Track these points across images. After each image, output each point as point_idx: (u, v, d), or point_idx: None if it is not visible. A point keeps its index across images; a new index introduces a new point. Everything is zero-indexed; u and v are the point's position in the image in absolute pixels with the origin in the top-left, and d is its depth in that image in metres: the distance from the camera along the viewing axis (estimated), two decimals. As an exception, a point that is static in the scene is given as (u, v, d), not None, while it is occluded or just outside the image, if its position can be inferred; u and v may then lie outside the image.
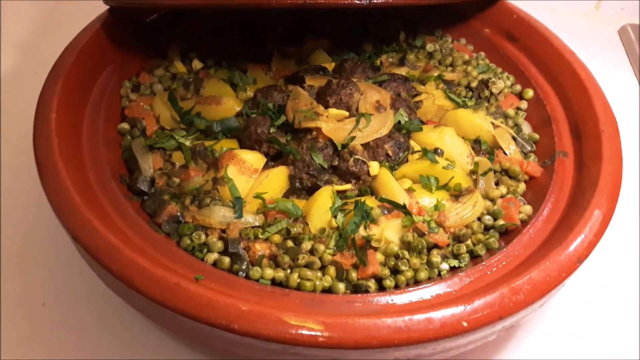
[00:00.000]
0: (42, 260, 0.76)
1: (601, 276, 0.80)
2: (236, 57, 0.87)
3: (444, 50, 0.91)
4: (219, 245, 0.62)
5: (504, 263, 0.61)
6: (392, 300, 0.58)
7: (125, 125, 0.75)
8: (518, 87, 0.85)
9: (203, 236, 0.63)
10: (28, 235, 0.79)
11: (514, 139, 0.77)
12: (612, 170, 0.66)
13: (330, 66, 0.87)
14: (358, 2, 0.66)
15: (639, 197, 0.92)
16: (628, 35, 1.27)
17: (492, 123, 0.78)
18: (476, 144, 0.77)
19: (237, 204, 0.65)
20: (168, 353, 0.68)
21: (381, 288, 0.62)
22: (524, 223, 0.67)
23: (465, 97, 0.83)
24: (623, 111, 1.07)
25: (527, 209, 0.69)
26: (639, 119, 1.09)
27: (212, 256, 0.61)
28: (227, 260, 0.61)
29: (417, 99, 0.82)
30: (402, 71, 0.87)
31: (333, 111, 0.73)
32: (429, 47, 0.90)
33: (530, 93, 0.83)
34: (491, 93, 0.82)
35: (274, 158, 0.74)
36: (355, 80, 0.80)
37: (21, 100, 0.99)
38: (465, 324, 0.51)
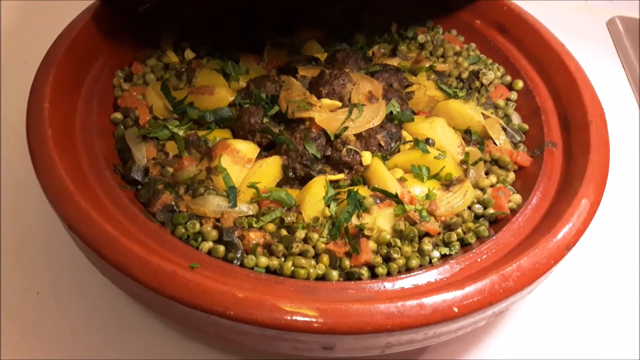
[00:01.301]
0: (36, 249, 0.76)
1: (599, 269, 0.82)
2: (229, 47, 0.87)
3: (435, 42, 0.91)
4: (214, 234, 0.62)
5: (493, 251, 0.63)
6: (384, 287, 0.59)
7: (118, 115, 0.75)
8: (508, 78, 0.86)
9: (197, 225, 0.63)
10: (22, 224, 0.79)
11: (504, 129, 0.78)
12: (600, 160, 0.67)
13: (323, 56, 0.87)
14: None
15: (625, 186, 0.94)
16: (616, 28, 1.28)
17: (483, 114, 0.79)
18: (467, 134, 0.78)
19: (231, 193, 0.65)
20: (163, 341, 0.68)
21: (374, 275, 0.63)
22: (514, 212, 0.69)
23: (456, 88, 0.84)
24: (611, 102, 1.09)
25: (517, 197, 0.70)
26: (626, 109, 1.11)
27: (207, 245, 0.62)
28: (221, 248, 0.61)
29: (409, 89, 0.83)
30: (394, 62, 0.87)
31: (326, 101, 0.74)
32: (421, 38, 0.91)
33: (520, 84, 0.85)
34: (482, 84, 0.83)
35: (267, 148, 0.74)
36: (347, 70, 0.81)
37: (11, 90, 0.99)
38: (456, 309, 0.53)
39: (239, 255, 0.61)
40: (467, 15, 0.94)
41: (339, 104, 0.74)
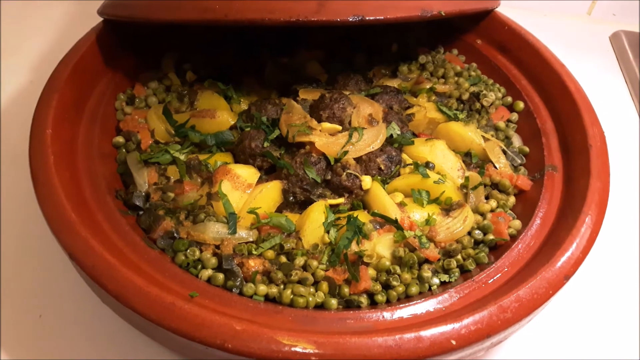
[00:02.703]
0: (39, 271, 0.77)
1: (601, 274, 0.82)
2: (230, 68, 0.87)
3: (436, 62, 0.92)
4: (213, 261, 0.63)
5: (493, 279, 0.63)
6: (383, 316, 0.59)
7: (120, 139, 0.76)
8: (509, 99, 0.86)
9: (197, 252, 0.64)
10: (25, 246, 0.79)
11: (504, 152, 0.78)
12: (600, 186, 0.67)
13: (324, 78, 0.88)
14: (351, 19, 0.67)
15: (629, 203, 0.93)
16: (620, 41, 1.28)
17: (483, 136, 0.79)
18: (467, 157, 0.78)
19: (231, 219, 0.66)
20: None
21: (373, 302, 0.63)
22: (513, 238, 0.69)
23: (456, 109, 0.84)
24: (612, 116, 1.09)
25: (517, 223, 0.70)
26: (628, 123, 1.11)
27: (207, 272, 0.62)
28: (221, 276, 0.62)
29: (409, 111, 0.83)
30: (395, 83, 0.88)
31: (326, 125, 0.74)
32: (421, 58, 0.91)
33: (521, 105, 0.85)
34: (482, 105, 0.83)
35: (268, 171, 0.75)
36: (348, 93, 0.81)
37: (16, 110, 1.00)
38: (454, 342, 0.53)
39: (238, 283, 0.62)
40: (468, 35, 0.94)
41: (339, 127, 0.75)
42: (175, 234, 0.65)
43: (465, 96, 0.85)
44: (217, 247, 0.65)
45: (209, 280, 0.62)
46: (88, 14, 0.84)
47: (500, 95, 0.86)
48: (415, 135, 0.81)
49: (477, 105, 0.84)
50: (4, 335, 0.71)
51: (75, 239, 0.57)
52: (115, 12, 0.77)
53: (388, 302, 0.63)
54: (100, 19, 0.81)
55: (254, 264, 0.63)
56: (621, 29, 1.31)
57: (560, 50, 1.24)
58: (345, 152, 0.72)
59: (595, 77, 1.22)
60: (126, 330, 0.71)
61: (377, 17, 0.68)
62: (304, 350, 0.51)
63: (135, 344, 0.69)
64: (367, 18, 0.68)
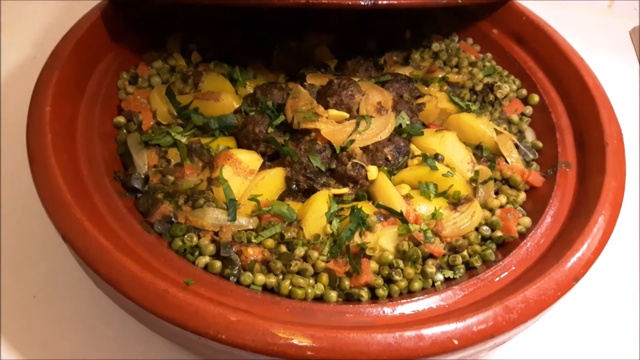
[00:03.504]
0: (35, 252, 0.76)
1: (602, 276, 0.79)
2: (237, 51, 0.85)
3: (449, 50, 0.89)
4: (211, 248, 0.61)
5: (499, 277, 0.60)
6: (383, 312, 0.57)
7: (121, 119, 0.74)
8: (524, 92, 0.83)
9: (195, 238, 0.62)
10: (21, 226, 0.78)
11: (517, 146, 0.76)
12: (615, 185, 0.65)
13: (333, 63, 0.85)
14: (363, 3, 0.65)
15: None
16: (638, 37, 1.24)
17: (495, 129, 0.76)
18: (477, 150, 0.76)
19: (231, 206, 0.64)
20: (156, 351, 0.67)
21: (374, 297, 0.61)
22: (522, 235, 0.66)
23: (469, 100, 0.81)
24: (630, 114, 1.06)
25: (526, 221, 0.68)
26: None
27: (204, 260, 0.60)
28: (218, 264, 0.60)
29: (420, 100, 0.80)
30: (406, 71, 0.85)
31: (333, 112, 0.72)
32: (435, 46, 0.88)
33: (535, 98, 0.82)
34: (496, 97, 0.81)
35: (271, 158, 0.73)
36: (357, 79, 0.79)
37: (19, 86, 0.98)
38: (456, 342, 0.51)
39: (235, 272, 0.60)
40: (484, 24, 0.91)
41: (347, 115, 0.72)
42: (173, 219, 0.64)
43: (479, 87, 0.82)
44: (216, 233, 0.63)
45: (206, 267, 0.60)
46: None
47: (514, 87, 0.83)
48: (425, 125, 0.78)
49: (491, 97, 0.81)
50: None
51: (70, 220, 0.56)
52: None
53: (390, 296, 0.61)
54: (106, -4, 0.79)
55: (252, 253, 0.61)
56: (641, 23, 1.27)
57: (579, 43, 1.20)
58: (352, 141, 0.70)
59: (613, 72, 1.18)
60: (120, 314, 0.69)
61: (391, 2, 0.65)
62: (300, 344, 0.49)
63: (129, 328, 0.68)
64: (379, 2, 0.65)
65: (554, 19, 1.26)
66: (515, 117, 0.80)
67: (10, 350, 0.67)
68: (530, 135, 0.79)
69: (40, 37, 1.07)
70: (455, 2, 0.69)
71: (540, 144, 0.77)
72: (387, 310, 0.57)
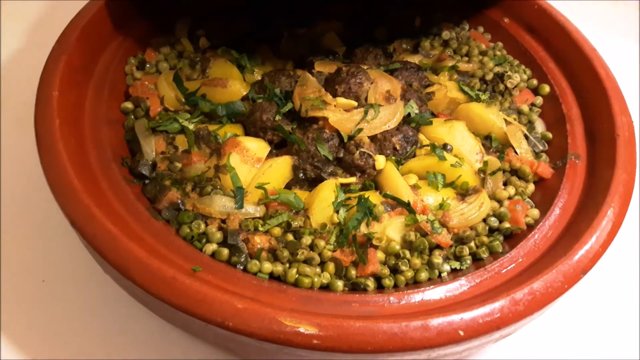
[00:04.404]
0: (43, 236, 0.76)
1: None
2: (245, 37, 0.84)
3: (460, 39, 0.88)
4: (218, 235, 0.61)
5: (506, 269, 0.60)
6: (389, 301, 0.57)
7: (128, 105, 0.74)
8: (534, 82, 0.82)
9: (202, 225, 0.62)
10: (28, 210, 0.78)
11: (526, 137, 0.75)
12: (625, 178, 0.64)
13: (341, 50, 0.85)
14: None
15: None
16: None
17: (505, 119, 0.76)
18: (487, 140, 0.75)
19: (239, 194, 0.64)
20: (164, 337, 0.68)
21: (380, 287, 0.61)
22: (530, 227, 0.66)
23: (479, 90, 0.80)
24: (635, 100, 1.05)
25: (535, 212, 0.67)
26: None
27: (211, 247, 0.60)
28: (225, 251, 0.60)
29: (429, 89, 0.79)
30: (416, 59, 0.84)
31: (341, 100, 0.71)
32: (445, 34, 0.87)
33: (546, 89, 0.81)
34: (506, 87, 0.80)
35: (279, 146, 0.72)
36: (366, 67, 0.78)
37: (25, 73, 0.98)
38: (462, 332, 0.51)
39: (242, 260, 0.60)
40: (495, 12, 0.90)
41: (355, 103, 0.72)
42: (180, 206, 0.64)
43: (489, 76, 0.81)
44: (223, 221, 0.63)
45: (213, 254, 0.60)
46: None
47: (525, 77, 0.82)
48: (434, 114, 0.78)
49: (501, 86, 0.80)
50: (5, 298, 0.71)
51: (78, 206, 0.56)
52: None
53: (396, 286, 0.61)
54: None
55: (259, 241, 0.61)
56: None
57: (590, 33, 1.19)
58: (360, 130, 0.69)
59: (625, 62, 1.17)
60: (127, 299, 0.70)
61: (401, -11, 0.64)
62: (306, 332, 0.49)
63: (136, 313, 0.68)
64: (390, -11, 0.64)
65: (565, 8, 1.25)
66: (525, 108, 0.79)
67: (18, 333, 0.68)
68: (540, 126, 0.78)
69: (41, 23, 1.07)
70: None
71: (550, 135, 0.77)
72: (393, 300, 0.57)
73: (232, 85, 0.75)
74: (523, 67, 0.84)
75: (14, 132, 0.88)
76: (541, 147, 0.75)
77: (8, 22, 1.07)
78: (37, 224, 0.77)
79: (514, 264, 0.61)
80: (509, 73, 0.80)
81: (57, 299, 0.71)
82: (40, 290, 0.72)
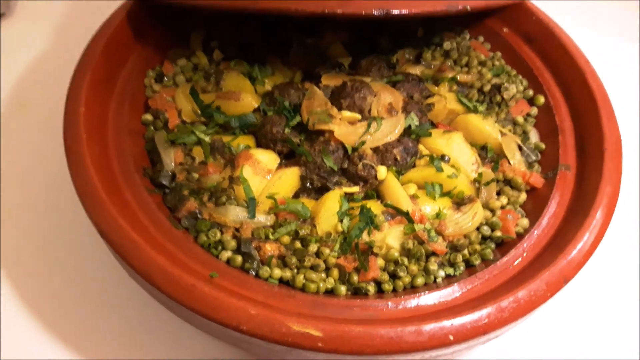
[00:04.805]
0: (72, 241, 0.82)
1: (602, 274, 0.85)
2: (256, 46, 0.89)
3: (460, 49, 0.92)
4: (233, 243, 0.67)
5: (495, 276, 0.66)
6: (387, 306, 0.63)
7: (149, 117, 0.79)
8: (530, 92, 0.86)
9: (218, 234, 0.68)
10: (56, 215, 0.84)
11: (520, 148, 0.80)
12: (610, 191, 0.69)
13: (347, 61, 0.89)
14: (376, 13, 0.68)
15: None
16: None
17: (500, 131, 0.80)
18: (482, 151, 0.80)
19: (251, 204, 0.69)
20: (184, 335, 0.75)
21: (380, 290, 0.67)
22: (520, 236, 0.71)
23: (477, 101, 0.85)
24: (632, 108, 1.08)
25: (524, 222, 0.72)
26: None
27: (226, 254, 0.66)
28: (239, 258, 0.66)
29: (429, 100, 0.84)
30: (417, 70, 0.89)
31: (346, 114, 0.76)
32: (446, 45, 0.91)
33: (541, 99, 0.85)
34: (502, 98, 0.84)
35: (288, 155, 0.78)
36: (370, 79, 0.83)
37: (53, 78, 1.03)
38: (451, 337, 0.57)
39: (255, 266, 0.66)
40: (495, 22, 0.93)
41: (359, 116, 0.77)
42: (198, 215, 0.69)
43: (487, 88, 0.85)
44: (237, 229, 0.69)
45: (228, 261, 0.66)
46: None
47: (521, 88, 0.86)
48: (434, 124, 0.83)
49: (498, 97, 0.84)
50: (35, 296, 0.77)
51: (106, 218, 0.62)
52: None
53: (394, 290, 0.67)
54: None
55: (270, 249, 0.67)
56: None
57: (589, 34, 1.22)
58: (363, 142, 0.74)
59: (622, 64, 1.20)
60: (150, 300, 0.76)
61: (402, 11, 0.69)
62: (311, 336, 0.55)
63: (158, 313, 0.75)
64: (392, 12, 0.68)
65: (566, 10, 1.28)
66: (520, 119, 0.83)
67: (47, 330, 0.75)
68: (534, 137, 0.83)
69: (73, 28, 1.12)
70: (465, 11, 0.72)
71: (543, 146, 0.81)
72: (391, 305, 0.63)
73: (245, 98, 0.80)
74: (520, 77, 0.88)
75: (44, 134, 0.94)
76: (534, 157, 0.80)
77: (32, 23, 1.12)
78: (66, 229, 0.83)
79: (502, 271, 0.66)
80: (506, 85, 0.84)
81: (84, 299, 0.77)
82: (69, 290, 0.78)
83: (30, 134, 0.95)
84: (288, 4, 0.68)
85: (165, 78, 0.84)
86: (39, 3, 1.16)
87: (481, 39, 0.95)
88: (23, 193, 0.87)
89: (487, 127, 0.80)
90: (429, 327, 0.57)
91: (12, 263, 0.80)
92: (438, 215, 0.71)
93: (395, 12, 0.69)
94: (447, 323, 0.57)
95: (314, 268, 0.66)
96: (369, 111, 0.78)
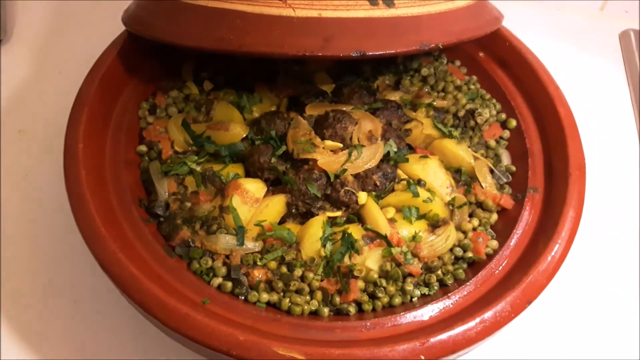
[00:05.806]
0: (76, 263, 0.87)
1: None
2: (244, 75, 0.94)
3: (437, 74, 0.97)
4: (223, 270, 0.72)
5: (464, 297, 0.71)
6: (366, 327, 0.68)
7: (143, 148, 0.84)
8: (503, 116, 0.92)
9: (210, 261, 0.73)
10: (66, 235, 0.89)
11: (492, 171, 0.85)
12: (573, 216, 0.74)
13: (330, 88, 0.94)
14: (353, 55, 0.73)
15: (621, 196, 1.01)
16: (628, 40, 1.30)
17: (473, 155, 0.85)
18: (457, 174, 0.85)
19: (240, 232, 0.75)
20: (179, 355, 0.80)
21: (360, 310, 0.73)
22: (490, 257, 0.77)
23: (452, 126, 0.90)
24: (608, 118, 1.14)
25: (494, 243, 0.78)
26: (624, 127, 1.15)
27: (217, 280, 0.72)
28: (229, 284, 0.71)
29: (408, 126, 0.89)
30: (397, 95, 0.94)
31: (328, 143, 0.81)
32: (424, 71, 0.96)
33: (513, 123, 0.90)
34: (476, 123, 0.89)
35: (274, 183, 0.83)
36: (351, 107, 0.88)
37: (45, 100, 1.08)
38: (422, 357, 0.62)
39: (244, 291, 0.71)
40: (471, 47, 0.98)
41: (340, 145, 0.82)
42: (191, 243, 0.75)
43: (462, 113, 0.91)
44: (227, 257, 0.74)
45: (219, 287, 0.72)
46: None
47: (494, 112, 0.92)
48: (411, 148, 0.88)
49: (472, 122, 0.90)
50: (40, 317, 0.83)
51: (105, 252, 0.67)
52: (139, 29, 0.83)
53: (374, 310, 0.73)
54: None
55: (258, 274, 0.72)
56: (632, 27, 1.32)
57: (569, 46, 1.27)
58: (345, 170, 0.80)
59: (600, 76, 1.25)
60: (148, 325, 0.82)
61: (377, 52, 0.73)
62: (296, 358, 0.61)
63: (156, 339, 0.80)
64: (368, 53, 0.73)
65: (546, 21, 1.33)
66: (492, 143, 0.89)
67: (51, 350, 0.81)
68: (505, 159, 0.88)
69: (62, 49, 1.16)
70: (437, 48, 0.77)
71: (513, 168, 0.87)
72: (370, 325, 0.68)
73: (234, 128, 0.85)
74: (494, 101, 0.94)
75: (40, 155, 0.99)
76: (505, 180, 0.85)
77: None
78: (72, 249, 0.88)
79: (471, 291, 0.72)
80: (479, 110, 0.90)
81: (87, 317, 0.83)
82: (73, 309, 0.84)
83: (29, 159, 1.00)
84: (272, 48, 0.72)
85: (158, 110, 0.88)
86: (35, 29, 1.21)
87: (458, 62, 1.00)
88: (22, 218, 0.92)
89: (461, 152, 0.85)
90: (402, 347, 0.62)
91: (11, 302, 0.85)
92: (414, 238, 0.77)
93: (371, 53, 0.74)
94: (417, 343, 0.63)
95: (299, 292, 0.72)
96: (350, 139, 0.83)
